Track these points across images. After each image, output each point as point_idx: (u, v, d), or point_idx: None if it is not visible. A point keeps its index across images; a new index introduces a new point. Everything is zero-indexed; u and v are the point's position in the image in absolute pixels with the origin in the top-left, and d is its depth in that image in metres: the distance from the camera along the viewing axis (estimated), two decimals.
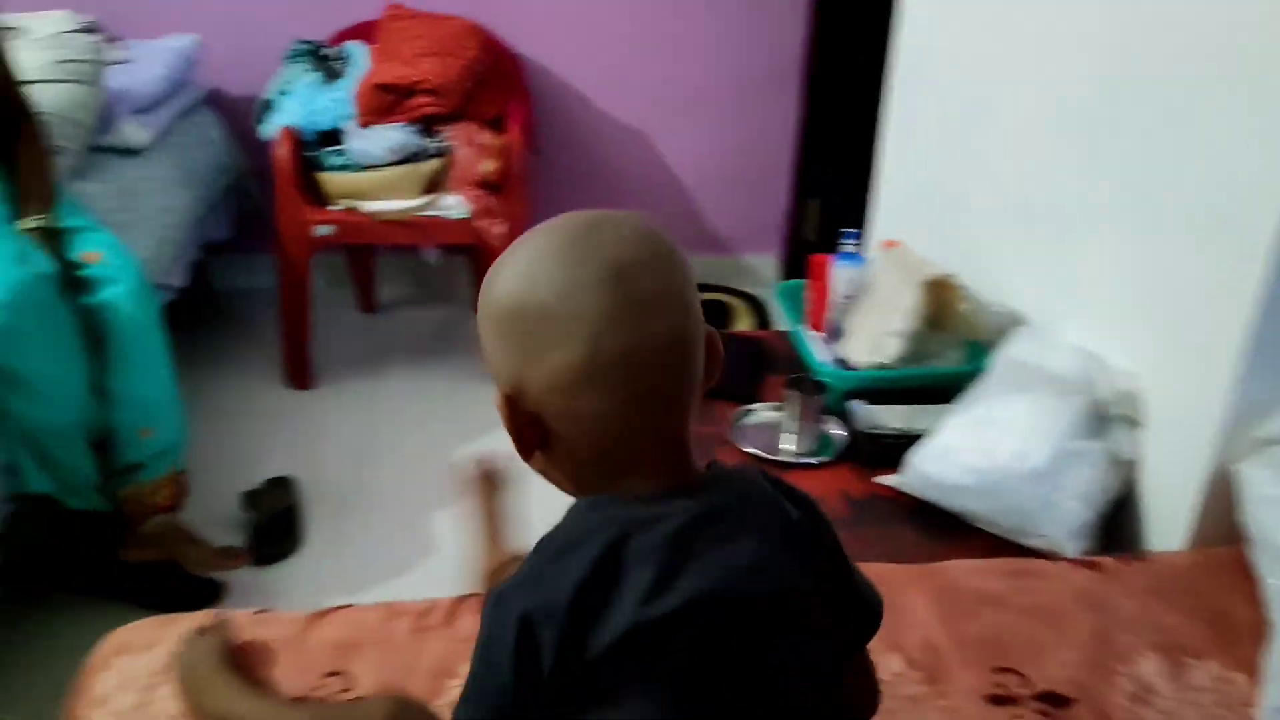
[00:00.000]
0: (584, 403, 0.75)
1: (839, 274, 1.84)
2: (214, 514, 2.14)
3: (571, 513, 0.79)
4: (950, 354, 1.71)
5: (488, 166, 2.53)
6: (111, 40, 2.68)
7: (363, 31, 2.79)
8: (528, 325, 0.75)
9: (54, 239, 1.85)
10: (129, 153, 2.40)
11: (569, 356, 0.73)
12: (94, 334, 1.84)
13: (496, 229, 2.54)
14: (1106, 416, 1.44)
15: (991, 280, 1.80)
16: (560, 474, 0.81)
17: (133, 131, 2.38)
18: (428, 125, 2.58)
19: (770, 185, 3.23)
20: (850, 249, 1.86)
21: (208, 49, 2.82)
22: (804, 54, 3.04)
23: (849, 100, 2.80)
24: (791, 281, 1.94)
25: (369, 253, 3.03)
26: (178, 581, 1.98)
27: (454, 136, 2.58)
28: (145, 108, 2.46)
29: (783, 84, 3.09)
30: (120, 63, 2.56)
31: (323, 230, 2.53)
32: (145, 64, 2.58)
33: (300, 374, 2.69)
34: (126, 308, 1.86)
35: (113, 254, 1.90)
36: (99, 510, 1.88)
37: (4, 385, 1.66)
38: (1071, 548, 1.35)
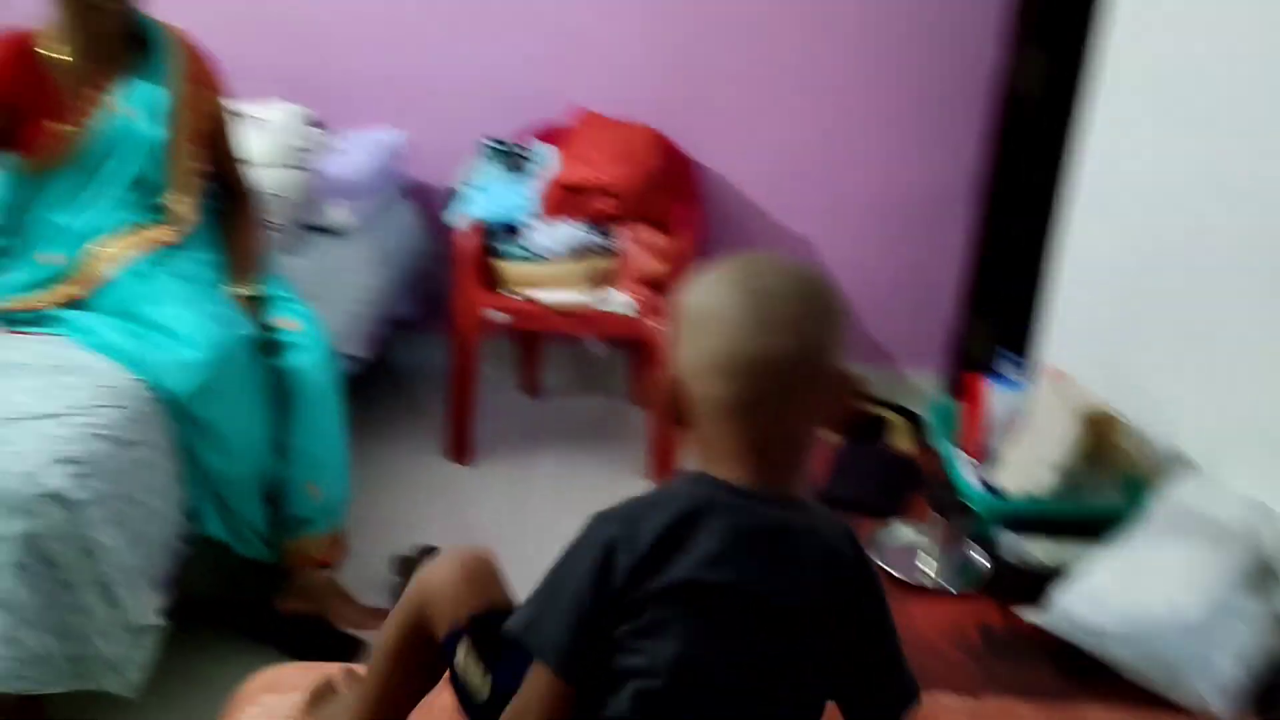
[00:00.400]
0: (712, 389, 0.93)
1: (996, 398, 1.81)
2: (366, 574, 2.24)
3: (676, 478, 1.00)
4: (1107, 490, 1.65)
5: (656, 267, 2.62)
6: (330, 131, 2.96)
7: (551, 133, 2.96)
8: (692, 322, 0.96)
9: (257, 305, 2.03)
10: (333, 233, 2.61)
11: (711, 348, 0.93)
12: (280, 394, 2.00)
13: (659, 326, 2.61)
14: (1272, 573, 1.36)
15: (1160, 417, 1.74)
16: (693, 447, 0.99)
17: (338, 214, 2.60)
18: (604, 224, 2.71)
19: (938, 301, 3.21)
20: (1010, 373, 1.84)
21: (413, 142, 3.06)
22: (981, 171, 3.04)
23: (1024, 220, 2.78)
24: (945, 400, 1.92)
25: (537, 339, 3.16)
26: (324, 634, 2.08)
27: (627, 236, 2.70)
28: (351, 194, 2.68)
29: (958, 200, 3.08)
30: (335, 152, 2.81)
31: (496, 315, 2.67)
32: (356, 154, 2.81)
33: (461, 449, 2.81)
34: (312, 373, 2.02)
35: (306, 324, 2.07)
36: (264, 560, 2.01)
37: (197, 434, 1.82)
38: (1222, 709, 1.27)
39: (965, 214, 3.09)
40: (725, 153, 3.09)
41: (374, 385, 3.06)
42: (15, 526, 1.45)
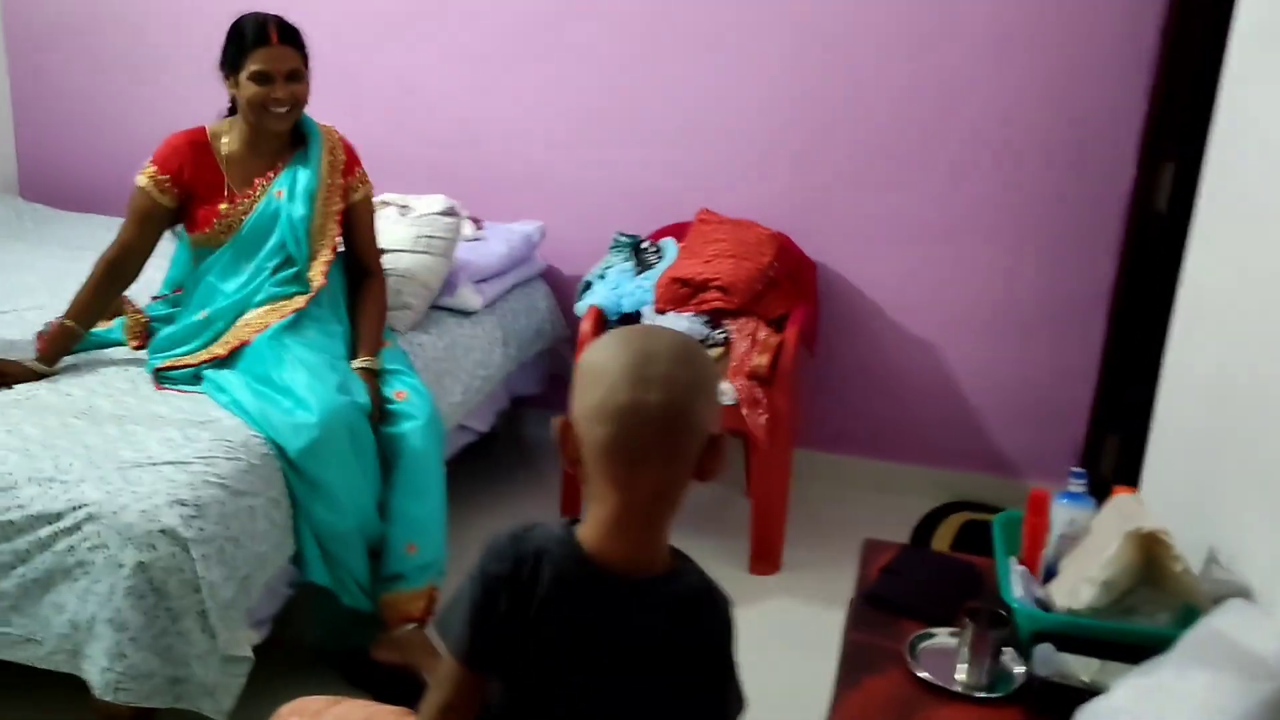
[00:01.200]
0: (592, 433, 1.08)
1: (1059, 512, 1.80)
2: None
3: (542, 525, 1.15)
4: (1159, 614, 1.61)
5: (759, 360, 2.71)
6: (473, 220, 3.22)
7: (677, 230, 3.12)
8: (583, 375, 1.11)
9: (375, 377, 2.25)
10: (463, 314, 2.83)
11: (594, 398, 1.07)
12: (387, 458, 2.20)
13: (760, 419, 2.69)
14: None
15: (1234, 544, 1.68)
16: (582, 484, 1.13)
17: (469, 297, 2.82)
18: (715, 317, 2.82)
19: (1067, 415, 3.15)
20: (1077, 488, 1.82)
21: (552, 233, 3.29)
22: (1113, 285, 3.00)
23: (1151, 335, 2.71)
24: (1011, 512, 1.91)
25: None
26: (413, 685, 2.22)
27: (737, 330, 2.80)
28: (484, 278, 2.91)
29: (1089, 313, 3.04)
30: (474, 240, 3.06)
31: None
32: (494, 242, 3.05)
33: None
34: (416, 440, 2.21)
35: (415, 395, 2.27)
36: (363, 609, 2.18)
37: (307, 489, 2.02)
38: None
39: (1096, 327, 3.04)
40: (845, 254, 3.17)
41: (495, 455, 3.26)
42: (131, 556, 1.67)
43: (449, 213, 2.79)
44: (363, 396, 2.15)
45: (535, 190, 3.33)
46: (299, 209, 2.27)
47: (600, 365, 1.09)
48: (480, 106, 3.32)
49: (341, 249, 2.42)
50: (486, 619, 1.11)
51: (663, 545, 1.16)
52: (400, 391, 2.27)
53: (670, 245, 3.07)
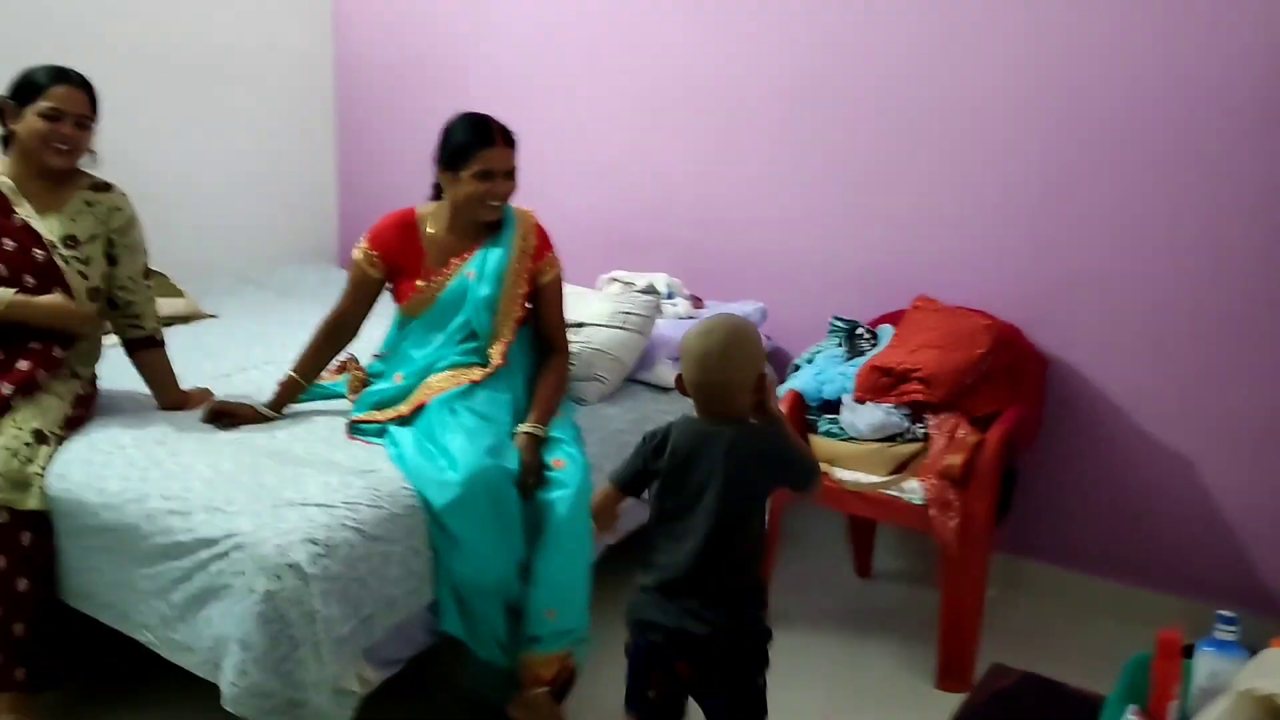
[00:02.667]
0: (691, 387, 1.84)
1: (1203, 661, 1.54)
2: (600, 709, 2.40)
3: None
4: None
5: (951, 460, 2.53)
6: (695, 299, 3.29)
7: (893, 317, 3.00)
8: (683, 356, 1.84)
9: (536, 443, 2.36)
10: (658, 389, 2.89)
11: (687, 373, 1.83)
12: (535, 522, 2.30)
13: (950, 522, 2.51)
14: None
15: None
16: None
17: (666, 373, 2.88)
18: (916, 410, 2.68)
19: None
20: (1226, 634, 1.55)
21: (776, 313, 3.28)
22: None
23: None
24: (1143, 655, 1.64)
25: (870, 519, 3.14)
26: None
27: (936, 425, 2.64)
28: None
29: None
30: (687, 318, 3.13)
31: None
32: None
33: None
34: (564, 509, 2.29)
35: (571, 464, 2.35)
36: (500, 665, 2.27)
37: (448, 543, 2.16)
38: None
39: None
40: (1088, 351, 2.89)
41: None
42: (261, 584, 1.88)
43: (648, 290, 2.88)
44: (512, 462, 2.27)
45: (764, 270, 3.35)
46: (485, 289, 2.45)
47: (687, 354, 1.82)
48: (715, 186, 3.41)
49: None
50: (640, 459, 1.89)
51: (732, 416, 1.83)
52: (559, 460, 2.36)
53: (887, 332, 2.96)
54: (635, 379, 2.88)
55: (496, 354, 2.46)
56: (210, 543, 1.96)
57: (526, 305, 2.54)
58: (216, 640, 1.93)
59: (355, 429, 2.42)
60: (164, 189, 3.69)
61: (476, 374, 2.43)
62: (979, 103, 2.93)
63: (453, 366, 2.45)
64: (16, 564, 2.13)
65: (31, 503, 2.15)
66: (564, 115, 3.67)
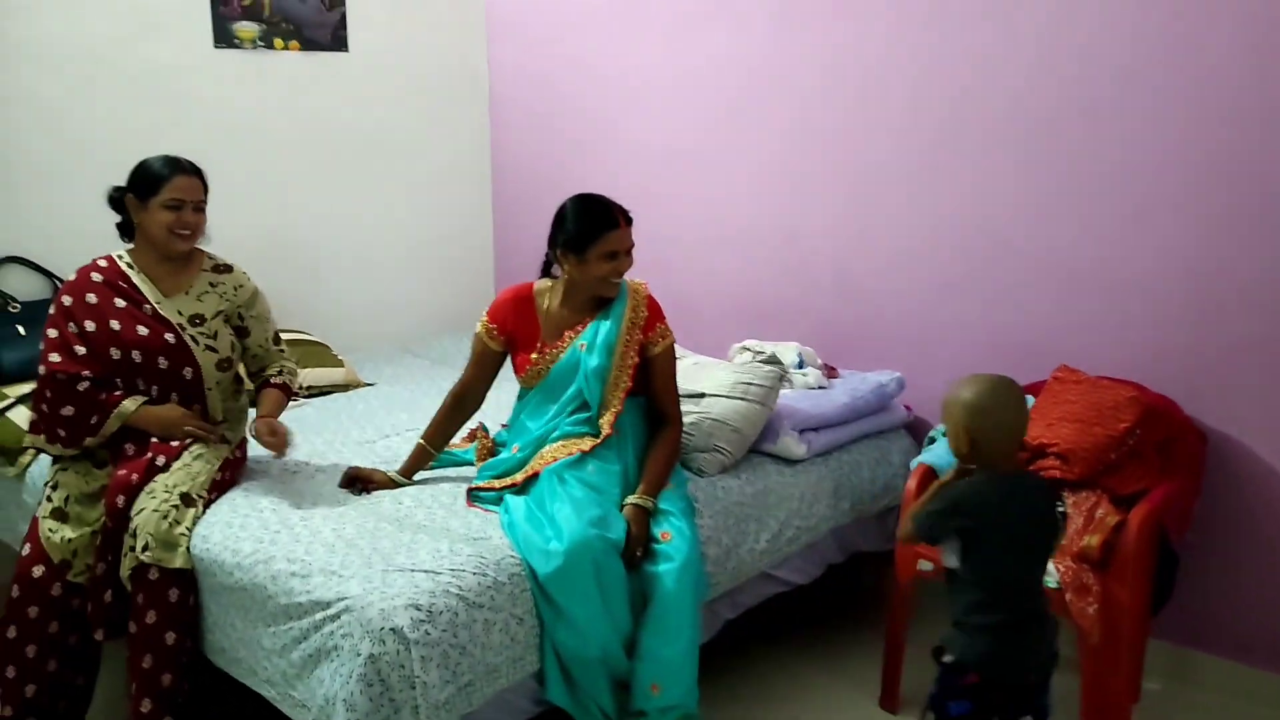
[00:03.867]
0: (1014, 426, 2.01)
1: None
2: None
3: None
4: None
5: (1089, 541, 2.37)
6: (828, 369, 3.24)
7: (1037, 388, 2.85)
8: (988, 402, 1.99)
9: (645, 515, 2.37)
10: (784, 461, 2.85)
11: (1008, 413, 2.00)
12: (641, 595, 2.30)
13: (1088, 609, 2.35)
14: None
15: None
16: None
17: (791, 445, 2.83)
18: (1056, 487, 2.53)
19: None
20: None
21: (910, 383, 3.19)
22: None
23: None
24: None
25: None
26: None
27: (1074, 504, 2.49)
28: (813, 427, 2.90)
29: None
30: (818, 388, 3.08)
31: (923, 565, 2.63)
32: (837, 392, 3.04)
33: (889, 696, 2.76)
34: (670, 582, 2.28)
35: (679, 538, 2.35)
36: None
37: (553, 612, 2.19)
38: None
39: None
40: (1260, 426, 2.66)
41: (817, 609, 3.16)
42: (366, 648, 1.95)
43: (771, 361, 2.86)
44: (617, 533, 2.28)
45: (901, 339, 3.28)
46: (595, 360, 2.51)
47: (996, 398, 1.99)
48: (852, 254, 3.37)
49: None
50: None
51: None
52: (666, 533, 2.36)
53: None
54: (758, 450, 2.85)
55: (606, 424, 2.49)
56: (324, 605, 2.06)
57: (634, 376, 2.56)
58: (327, 699, 2.02)
59: (475, 496, 2.50)
60: (329, 264, 3.97)
61: (587, 444, 2.47)
62: (1128, 164, 2.78)
63: (565, 437, 2.51)
64: (164, 619, 2.30)
65: (178, 562, 2.32)
66: (703, 183, 3.72)
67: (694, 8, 3.65)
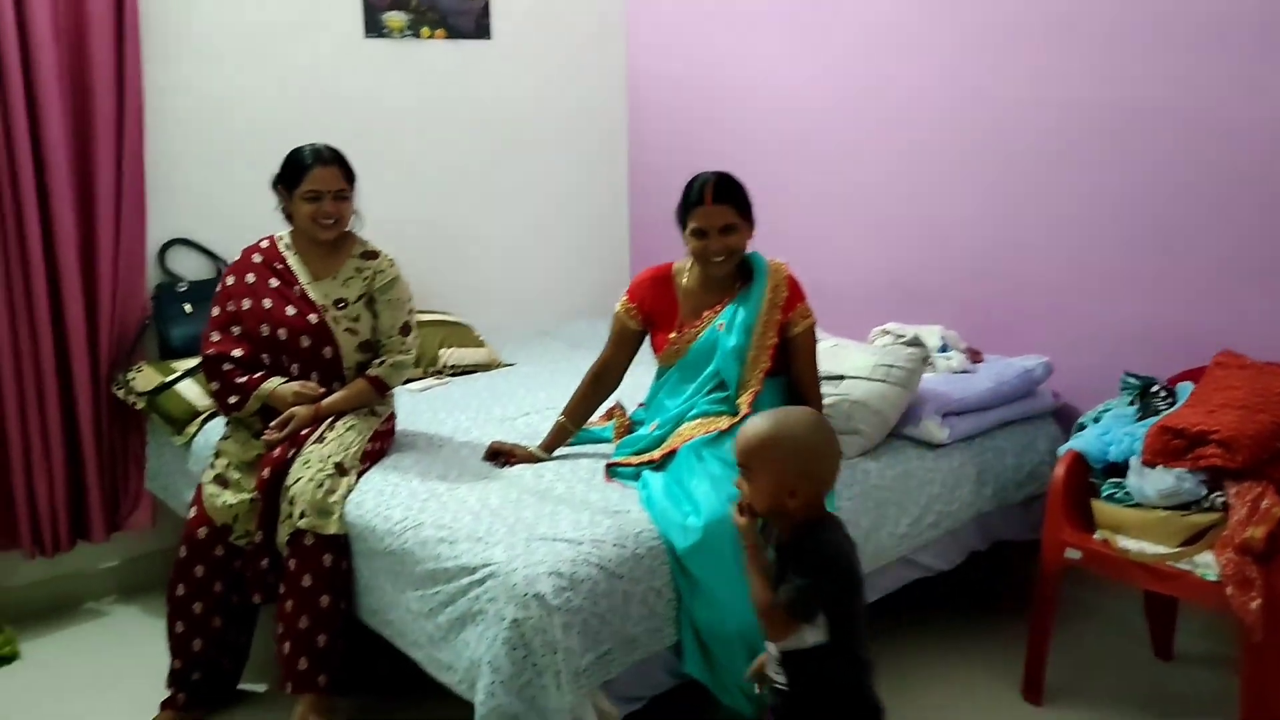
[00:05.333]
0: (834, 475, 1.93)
1: None
2: None
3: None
4: None
5: (1253, 533, 2.25)
6: (973, 353, 3.16)
7: (1197, 374, 2.72)
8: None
9: None
10: (925, 445, 2.80)
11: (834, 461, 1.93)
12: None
13: (1251, 603, 2.23)
14: None
15: None
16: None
17: (933, 430, 2.78)
18: (1215, 477, 2.42)
19: None
20: None
21: (1058, 368, 3.08)
22: None
23: None
24: None
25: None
26: None
27: (1237, 494, 2.36)
28: (956, 411, 2.84)
29: None
30: (962, 372, 3.01)
31: (1071, 554, 2.55)
32: (981, 377, 2.96)
33: (1033, 687, 2.69)
34: None
35: None
36: (743, 713, 2.28)
37: (690, 586, 2.20)
38: None
39: None
40: None
41: (955, 597, 3.09)
42: (510, 612, 2.00)
43: (914, 343, 2.80)
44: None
45: (1049, 323, 3.16)
46: (734, 340, 2.51)
47: (830, 446, 1.91)
48: (998, 236, 3.27)
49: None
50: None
51: None
52: None
53: (1187, 390, 2.69)
54: (898, 434, 2.80)
55: (744, 403, 2.49)
56: (470, 570, 2.12)
57: (774, 357, 2.55)
58: (472, 662, 2.08)
59: (613, 472, 2.53)
60: (471, 248, 4.08)
61: (724, 422, 2.48)
62: None
63: (703, 415, 2.52)
64: (319, 582, 2.41)
65: (332, 528, 2.43)
66: (846, 167, 3.67)
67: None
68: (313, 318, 2.69)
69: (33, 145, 2.95)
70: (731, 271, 2.58)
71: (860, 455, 2.70)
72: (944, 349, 3.12)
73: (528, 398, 3.26)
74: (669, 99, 4.29)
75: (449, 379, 3.52)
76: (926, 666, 2.81)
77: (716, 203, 2.49)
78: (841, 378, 2.76)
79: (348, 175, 2.70)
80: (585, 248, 4.44)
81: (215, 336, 2.71)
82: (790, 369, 2.59)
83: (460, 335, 3.69)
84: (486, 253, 4.12)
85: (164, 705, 2.62)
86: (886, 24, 3.47)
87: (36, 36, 2.90)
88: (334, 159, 2.68)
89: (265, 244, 2.77)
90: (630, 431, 2.73)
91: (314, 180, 2.64)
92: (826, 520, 1.88)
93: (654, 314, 2.64)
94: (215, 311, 2.73)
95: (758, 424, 1.87)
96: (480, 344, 3.73)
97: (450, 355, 3.59)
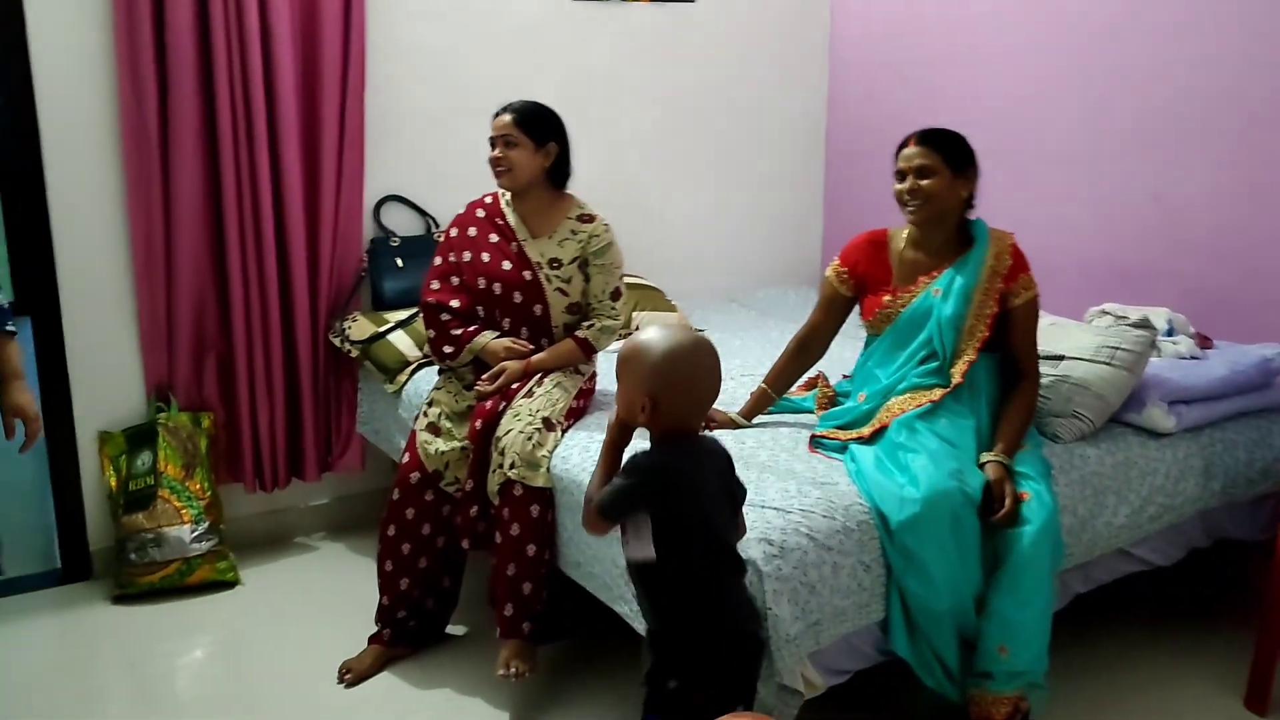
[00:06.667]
0: (699, 393, 1.88)
1: None
2: None
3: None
4: None
5: None
6: (1202, 338, 2.96)
7: None
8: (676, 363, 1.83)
9: (1006, 472, 2.28)
10: (1150, 434, 2.64)
11: (693, 379, 1.85)
12: (993, 556, 2.22)
13: None
14: None
15: None
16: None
17: (1159, 418, 2.61)
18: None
19: None
20: None
21: None
22: None
23: None
24: None
25: None
26: None
27: None
28: (1185, 399, 2.66)
29: None
30: (1190, 358, 2.82)
31: None
32: (1214, 364, 2.77)
33: (1258, 697, 2.52)
34: (1027, 544, 2.19)
35: (1037, 501, 2.24)
36: (947, 697, 2.22)
37: (903, 560, 2.14)
38: None
39: None
40: None
41: (1174, 594, 2.92)
42: None
43: (1142, 325, 2.64)
44: (973, 488, 2.21)
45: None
46: (950, 308, 2.41)
47: (684, 360, 1.83)
48: (1234, 214, 3.04)
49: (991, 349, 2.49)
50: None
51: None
52: (1024, 493, 2.26)
53: None
54: (1119, 420, 2.65)
55: (958, 372, 2.41)
56: None
57: (992, 327, 2.45)
58: None
59: (817, 443, 2.49)
60: (665, 211, 4.08)
61: (937, 394, 2.40)
62: None
63: (913, 388, 2.44)
64: (526, 532, 2.47)
65: (540, 480, 2.48)
66: (1060, 137, 3.49)
67: None
68: (527, 274, 2.74)
69: (266, 99, 3.11)
70: (951, 237, 2.49)
71: (1078, 440, 2.57)
72: (1170, 333, 2.93)
73: (723, 363, 3.23)
74: (871, 65, 4.17)
75: None
76: (1140, 667, 2.68)
77: (919, 144, 2.43)
78: (1061, 358, 2.63)
79: (523, 124, 2.69)
80: (776, 216, 4.38)
81: (435, 285, 2.80)
82: (1008, 341, 2.48)
83: (652, 299, 3.70)
84: (678, 217, 4.12)
85: (371, 639, 2.75)
86: None
87: None
88: (509, 109, 2.71)
89: (489, 199, 2.84)
90: (834, 402, 2.68)
91: (492, 127, 2.71)
92: (682, 439, 1.83)
93: (866, 279, 2.57)
94: (437, 261, 2.82)
95: (635, 334, 1.86)
96: (672, 308, 3.73)
97: (642, 318, 3.61)
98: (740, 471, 2.29)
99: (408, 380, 3.13)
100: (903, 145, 2.47)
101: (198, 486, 3.14)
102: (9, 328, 2.26)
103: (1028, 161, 3.57)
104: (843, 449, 2.44)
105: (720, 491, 1.86)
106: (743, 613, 1.87)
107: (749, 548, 2.01)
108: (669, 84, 3.98)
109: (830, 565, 2.09)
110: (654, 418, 1.80)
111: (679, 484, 1.79)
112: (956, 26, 3.79)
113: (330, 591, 3.14)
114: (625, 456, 1.87)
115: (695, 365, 1.82)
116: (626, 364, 1.83)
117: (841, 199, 4.39)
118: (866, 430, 2.43)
